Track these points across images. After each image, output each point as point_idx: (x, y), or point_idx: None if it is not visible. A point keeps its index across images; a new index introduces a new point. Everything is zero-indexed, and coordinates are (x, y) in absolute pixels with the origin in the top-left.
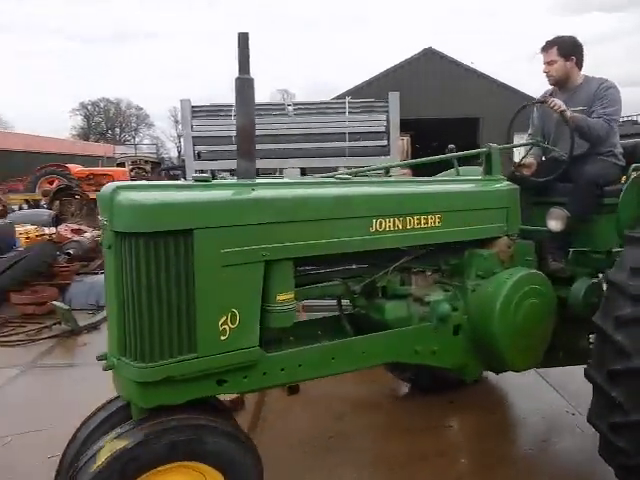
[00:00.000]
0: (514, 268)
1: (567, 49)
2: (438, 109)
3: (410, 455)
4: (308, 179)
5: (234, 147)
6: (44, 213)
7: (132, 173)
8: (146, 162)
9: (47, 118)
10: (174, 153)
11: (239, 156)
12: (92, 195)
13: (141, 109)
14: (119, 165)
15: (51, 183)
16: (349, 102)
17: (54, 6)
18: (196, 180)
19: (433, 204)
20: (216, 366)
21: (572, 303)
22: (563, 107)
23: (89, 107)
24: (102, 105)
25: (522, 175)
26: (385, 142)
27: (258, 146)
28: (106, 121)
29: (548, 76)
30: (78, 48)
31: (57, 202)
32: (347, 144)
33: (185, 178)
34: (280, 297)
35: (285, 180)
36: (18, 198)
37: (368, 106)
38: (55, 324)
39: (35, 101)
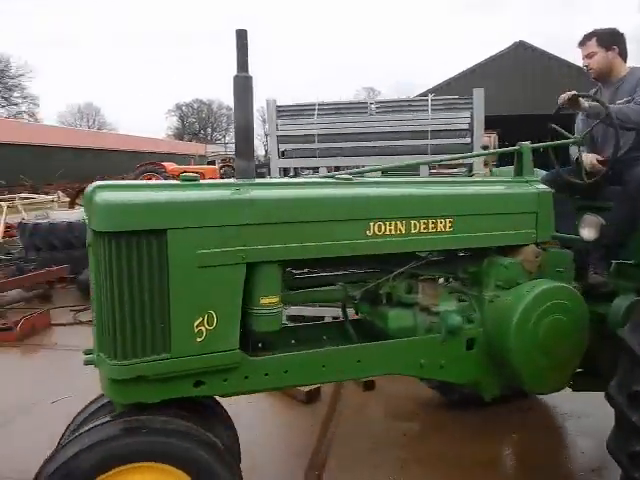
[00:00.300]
0: (539, 280)
1: (607, 39)
2: (530, 105)
3: (476, 459)
4: (305, 179)
5: (316, 145)
6: None
7: (222, 171)
8: (234, 160)
9: (146, 119)
10: (261, 151)
11: (237, 156)
12: None
13: (231, 109)
14: (210, 163)
15: (149, 180)
16: (432, 99)
17: (152, 10)
18: (184, 180)
19: (442, 207)
20: (191, 367)
21: (611, 320)
22: (570, 93)
23: (183, 108)
24: (195, 106)
25: (567, 178)
26: (468, 140)
27: (339, 144)
28: (199, 121)
29: (588, 70)
30: (172, 52)
31: None
32: (429, 142)
33: (270, 175)
34: (264, 300)
35: (277, 180)
36: None
37: (451, 103)
38: None
39: (135, 103)
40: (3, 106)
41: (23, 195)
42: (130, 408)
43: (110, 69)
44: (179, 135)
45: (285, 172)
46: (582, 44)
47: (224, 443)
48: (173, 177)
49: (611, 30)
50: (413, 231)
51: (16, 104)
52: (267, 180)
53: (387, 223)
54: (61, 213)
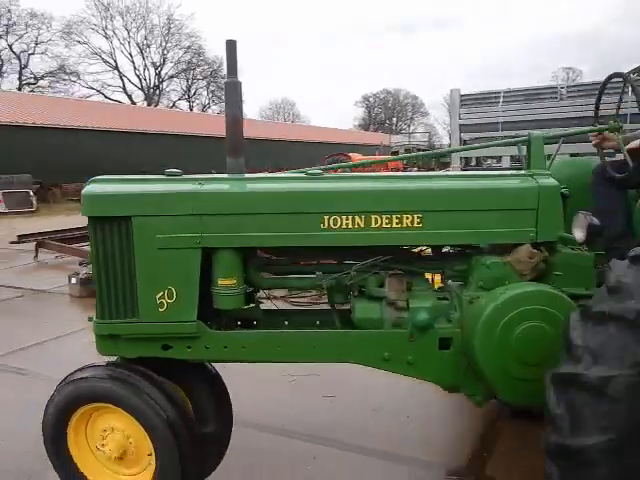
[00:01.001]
0: (519, 283)
1: None
2: None
3: None
4: (275, 175)
5: (500, 134)
6: None
7: (404, 160)
8: (418, 150)
9: (335, 111)
10: (446, 141)
11: (228, 154)
12: None
13: (417, 98)
14: (393, 153)
15: (336, 172)
16: (634, 80)
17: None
18: (168, 175)
19: (408, 202)
20: (155, 332)
21: None
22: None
23: (370, 99)
24: (382, 97)
25: (610, 171)
26: None
27: (525, 132)
28: (385, 111)
29: None
30: (364, 43)
31: None
32: (628, 126)
33: (451, 165)
34: (222, 282)
35: (246, 176)
36: None
37: None
38: None
39: (326, 96)
40: (216, 103)
41: None
42: (117, 361)
43: (306, 64)
44: (365, 126)
45: (467, 161)
46: None
47: (194, 403)
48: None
49: None
50: (374, 225)
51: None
52: (240, 176)
53: (343, 217)
54: None
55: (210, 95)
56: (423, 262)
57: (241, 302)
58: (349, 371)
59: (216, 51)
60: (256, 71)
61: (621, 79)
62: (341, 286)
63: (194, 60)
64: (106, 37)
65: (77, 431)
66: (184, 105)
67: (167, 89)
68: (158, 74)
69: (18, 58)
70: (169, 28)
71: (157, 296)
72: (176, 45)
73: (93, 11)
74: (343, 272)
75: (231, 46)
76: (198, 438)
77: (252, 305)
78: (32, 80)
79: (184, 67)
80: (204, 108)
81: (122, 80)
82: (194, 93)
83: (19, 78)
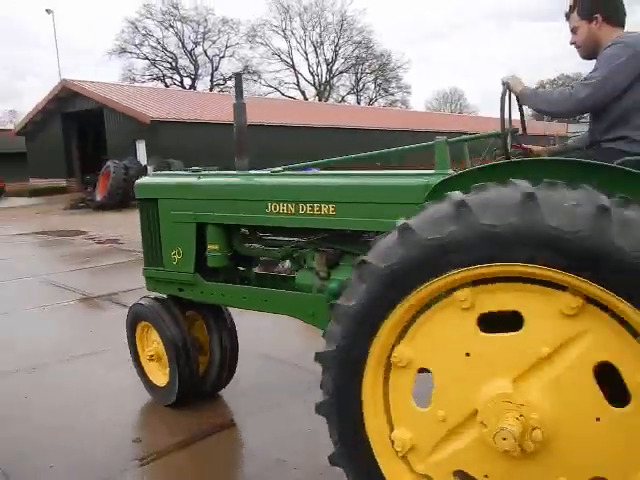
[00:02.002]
0: None
1: (586, 7)
2: None
3: None
4: (248, 172)
5: None
6: None
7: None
8: None
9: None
10: None
11: (236, 155)
12: None
13: None
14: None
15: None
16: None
17: None
18: (193, 171)
19: (324, 195)
20: (171, 277)
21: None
22: (507, 80)
23: (546, 86)
24: (559, 83)
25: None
26: None
27: None
28: None
29: (576, 49)
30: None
31: None
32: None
33: None
34: (209, 247)
35: (228, 172)
36: None
37: None
38: None
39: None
40: (382, 96)
41: None
42: (158, 296)
43: (478, 52)
44: (538, 115)
45: None
46: (566, 18)
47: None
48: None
49: None
50: (301, 212)
51: (392, 94)
52: (226, 172)
53: (280, 204)
54: None
55: (377, 89)
56: (343, 243)
57: (222, 262)
58: None
59: (384, 45)
60: (429, 59)
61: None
62: (293, 259)
63: (363, 55)
64: (285, 37)
65: (140, 337)
66: (352, 99)
67: (337, 84)
68: (329, 70)
69: (211, 62)
70: (342, 24)
71: (172, 253)
72: (347, 41)
73: (274, 13)
74: (284, 246)
75: (238, 77)
76: (194, 354)
77: (243, 268)
78: (221, 81)
79: (353, 62)
80: (370, 102)
81: (297, 77)
82: (362, 87)
83: (211, 80)
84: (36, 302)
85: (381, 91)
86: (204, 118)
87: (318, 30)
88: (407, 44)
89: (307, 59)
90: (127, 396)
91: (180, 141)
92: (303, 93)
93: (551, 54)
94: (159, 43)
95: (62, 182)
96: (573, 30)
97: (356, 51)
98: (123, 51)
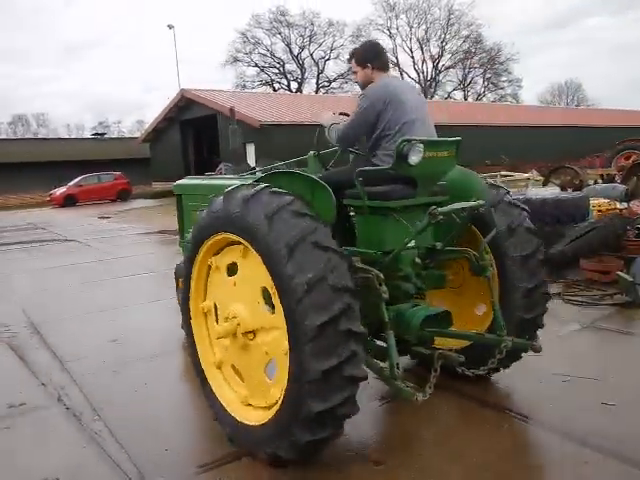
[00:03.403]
0: None
1: (361, 58)
2: None
3: None
4: (231, 176)
5: None
6: (618, 188)
7: None
8: None
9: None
10: None
11: (234, 164)
12: None
13: None
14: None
15: (627, 158)
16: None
17: None
18: (207, 175)
19: (213, 191)
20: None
21: None
22: (321, 121)
23: None
24: None
25: None
26: None
27: None
28: None
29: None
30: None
31: (634, 178)
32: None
33: None
34: None
35: (229, 176)
36: (594, 173)
37: None
38: (617, 294)
39: (619, 78)
40: (492, 90)
41: (503, 172)
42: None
43: (596, 42)
44: None
45: None
46: (349, 61)
47: None
48: None
49: (365, 47)
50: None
51: (502, 88)
52: (228, 176)
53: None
54: (537, 190)
55: (486, 83)
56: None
57: None
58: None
59: (494, 37)
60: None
61: None
62: None
63: (472, 49)
64: (390, 36)
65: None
66: (459, 95)
67: (443, 80)
68: (435, 66)
69: (316, 65)
70: (449, 19)
71: (190, 230)
72: (454, 35)
73: (380, 12)
74: None
75: (232, 113)
76: None
77: None
78: (326, 83)
79: (461, 57)
80: (478, 97)
81: (402, 75)
82: (469, 82)
83: (316, 82)
84: (156, 296)
85: (490, 85)
86: (307, 120)
87: (424, 27)
88: (516, 35)
89: (412, 57)
90: None
91: (287, 142)
92: None
93: None
94: (267, 50)
95: None
96: (354, 72)
97: (464, 45)
98: (235, 60)
